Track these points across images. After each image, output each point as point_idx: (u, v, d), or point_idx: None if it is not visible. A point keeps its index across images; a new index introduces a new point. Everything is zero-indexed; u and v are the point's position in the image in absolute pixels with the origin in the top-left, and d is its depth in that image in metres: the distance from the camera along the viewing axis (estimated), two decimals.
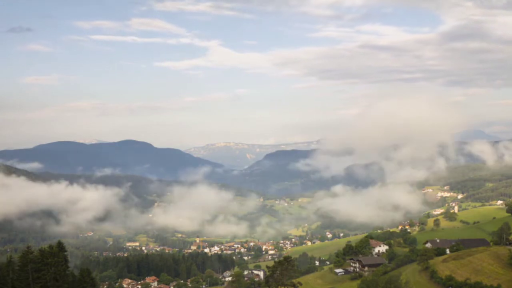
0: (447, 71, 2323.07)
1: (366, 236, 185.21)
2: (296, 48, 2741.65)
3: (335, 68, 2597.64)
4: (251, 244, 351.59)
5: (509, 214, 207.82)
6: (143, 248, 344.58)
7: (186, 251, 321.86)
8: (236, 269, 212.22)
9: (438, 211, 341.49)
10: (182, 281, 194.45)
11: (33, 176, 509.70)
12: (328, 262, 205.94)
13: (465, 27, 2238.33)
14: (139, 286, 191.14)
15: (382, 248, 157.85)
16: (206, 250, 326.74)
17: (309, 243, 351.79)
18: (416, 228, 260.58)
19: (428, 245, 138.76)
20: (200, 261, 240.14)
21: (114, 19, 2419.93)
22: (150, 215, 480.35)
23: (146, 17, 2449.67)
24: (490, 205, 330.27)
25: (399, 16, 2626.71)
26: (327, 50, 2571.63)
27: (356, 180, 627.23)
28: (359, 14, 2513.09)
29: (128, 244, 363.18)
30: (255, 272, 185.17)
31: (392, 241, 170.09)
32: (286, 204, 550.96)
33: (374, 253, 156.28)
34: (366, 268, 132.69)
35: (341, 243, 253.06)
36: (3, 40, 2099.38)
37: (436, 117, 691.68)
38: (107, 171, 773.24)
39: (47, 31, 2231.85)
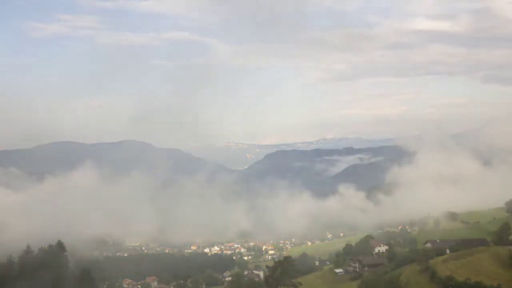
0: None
1: (366, 236, 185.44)
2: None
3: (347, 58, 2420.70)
4: (251, 244, 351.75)
5: (509, 214, 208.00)
6: (143, 248, 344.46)
7: (186, 251, 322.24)
8: (236, 269, 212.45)
9: None
10: (182, 281, 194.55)
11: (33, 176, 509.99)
12: (328, 262, 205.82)
13: None
14: (139, 286, 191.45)
15: (382, 248, 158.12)
16: (206, 250, 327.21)
17: (309, 243, 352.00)
18: (416, 228, 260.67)
19: (428, 245, 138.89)
20: (200, 261, 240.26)
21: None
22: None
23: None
24: None
25: None
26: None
27: None
28: None
29: (128, 244, 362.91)
30: (255, 272, 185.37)
31: (392, 241, 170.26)
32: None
33: (374, 253, 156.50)
34: (366, 268, 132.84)
35: (341, 243, 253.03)
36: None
37: None
38: (107, 171, 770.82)
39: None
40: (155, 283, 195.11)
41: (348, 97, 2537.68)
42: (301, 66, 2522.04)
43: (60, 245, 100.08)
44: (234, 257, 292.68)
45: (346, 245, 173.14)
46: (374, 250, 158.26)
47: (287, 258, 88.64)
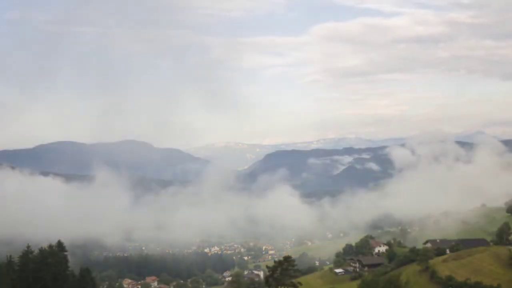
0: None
1: (366, 236, 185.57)
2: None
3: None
4: (251, 244, 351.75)
5: (509, 214, 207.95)
6: (143, 248, 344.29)
7: (186, 251, 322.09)
8: (236, 269, 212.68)
9: None
10: (182, 281, 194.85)
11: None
12: (328, 262, 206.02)
13: None
14: (139, 286, 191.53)
15: (382, 248, 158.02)
16: (206, 250, 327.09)
17: (309, 243, 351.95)
18: (416, 228, 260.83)
19: (428, 245, 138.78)
20: (200, 261, 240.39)
21: None
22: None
23: None
24: None
25: None
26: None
27: None
28: None
29: (128, 244, 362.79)
30: (255, 272, 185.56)
31: (392, 241, 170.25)
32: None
33: (374, 253, 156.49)
34: (366, 268, 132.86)
35: (341, 243, 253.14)
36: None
37: None
38: (107, 171, 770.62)
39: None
40: (155, 283, 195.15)
41: (349, 96, 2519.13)
42: (301, 64, 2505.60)
43: (60, 245, 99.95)
44: (234, 257, 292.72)
45: (346, 245, 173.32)
46: (374, 250, 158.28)
47: (287, 258, 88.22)
